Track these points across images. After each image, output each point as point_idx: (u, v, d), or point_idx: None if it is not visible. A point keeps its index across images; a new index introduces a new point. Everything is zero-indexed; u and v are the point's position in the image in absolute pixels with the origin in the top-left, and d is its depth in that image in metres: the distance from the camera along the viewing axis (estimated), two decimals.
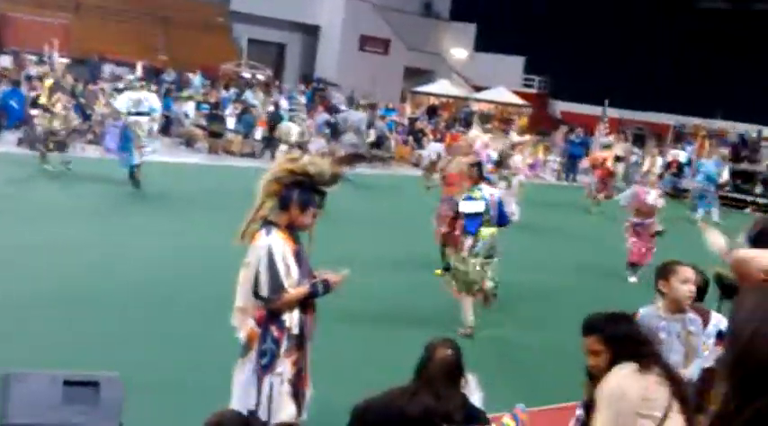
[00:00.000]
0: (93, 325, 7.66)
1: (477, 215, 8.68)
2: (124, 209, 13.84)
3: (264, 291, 4.44)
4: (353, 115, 25.27)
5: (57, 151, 16.51)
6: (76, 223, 12.18)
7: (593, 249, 12.75)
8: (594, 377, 3.68)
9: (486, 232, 8.76)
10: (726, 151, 26.63)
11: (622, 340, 3.58)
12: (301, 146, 18.29)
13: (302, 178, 4.50)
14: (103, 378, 4.46)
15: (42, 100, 16.92)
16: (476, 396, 4.24)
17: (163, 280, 9.45)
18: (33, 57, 28.53)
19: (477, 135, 21.01)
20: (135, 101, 15.85)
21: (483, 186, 8.95)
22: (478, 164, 9.29)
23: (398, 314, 9.33)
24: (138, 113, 15.70)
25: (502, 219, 8.95)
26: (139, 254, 10.62)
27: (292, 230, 4.57)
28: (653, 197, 12.14)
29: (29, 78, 24.00)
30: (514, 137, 21.32)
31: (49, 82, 17.98)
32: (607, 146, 23.63)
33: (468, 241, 8.66)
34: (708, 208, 20.73)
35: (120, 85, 26.53)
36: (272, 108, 27.37)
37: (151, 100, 16.40)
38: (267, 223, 4.52)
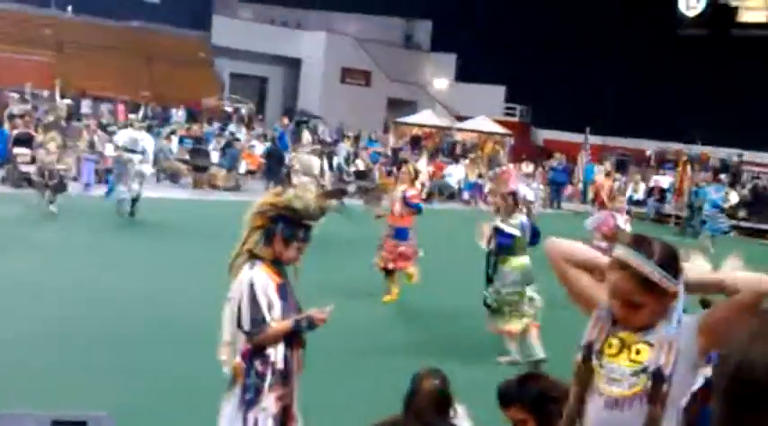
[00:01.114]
0: (80, 363, 7.62)
1: (509, 239, 8.89)
2: (110, 245, 13.80)
3: (246, 325, 4.43)
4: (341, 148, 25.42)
5: (53, 191, 16.18)
6: (62, 259, 12.14)
7: None
8: None
9: (517, 263, 8.89)
10: (722, 176, 26.76)
11: (539, 401, 3.55)
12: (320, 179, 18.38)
13: (286, 212, 4.51)
14: (91, 418, 4.44)
15: (58, 145, 16.83)
16: None
17: (149, 316, 9.41)
18: (15, 95, 28.52)
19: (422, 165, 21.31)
20: (132, 139, 16.63)
21: (517, 214, 9.05)
22: (513, 194, 9.39)
23: (382, 344, 9.32)
24: (133, 151, 16.45)
25: (533, 239, 9.05)
26: (125, 290, 10.57)
27: (278, 264, 4.57)
28: (622, 221, 12.17)
29: (11, 117, 23.95)
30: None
31: (55, 137, 17.76)
32: (607, 174, 23.69)
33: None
34: (716, 232, 20.50)
35: (104, 121, 26.65)
36: (254, 142, 27.51)
37: (146, 141, 17.06)
38: (252, 256, 4.53)
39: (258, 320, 4.38)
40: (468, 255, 9.43)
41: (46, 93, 28.99)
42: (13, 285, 10.27)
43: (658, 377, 2.78)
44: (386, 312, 10.93)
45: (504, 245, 8.90)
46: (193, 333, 7.98)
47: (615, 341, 2.90)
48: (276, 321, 4.43)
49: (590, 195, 31.21)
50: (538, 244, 9.01)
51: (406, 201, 11.38)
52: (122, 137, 17.16)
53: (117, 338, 8.52)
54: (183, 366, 7.66)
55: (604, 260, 3.01)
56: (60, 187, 16.32)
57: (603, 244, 12.01)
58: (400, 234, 11.36)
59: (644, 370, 2.81)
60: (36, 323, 8.73)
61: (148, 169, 17.54)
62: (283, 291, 4.53)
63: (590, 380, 2.90)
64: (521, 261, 8.94)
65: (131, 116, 20.21)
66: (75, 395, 6.59)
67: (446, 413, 4.11)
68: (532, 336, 8.86)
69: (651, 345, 2.84)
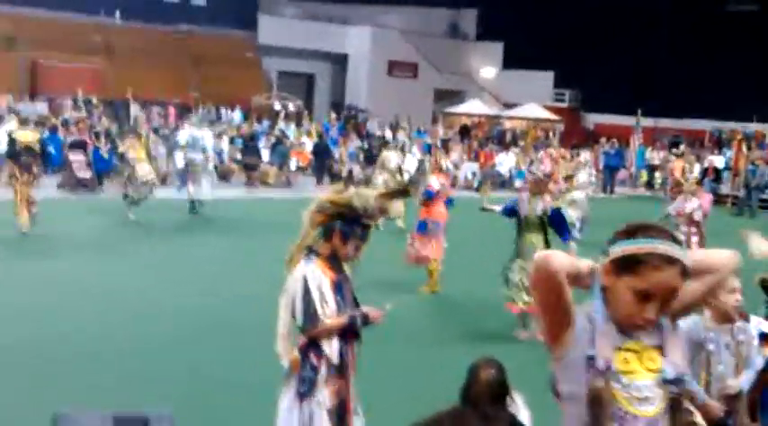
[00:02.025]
0: (140, 362, 7.73)
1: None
2: (167, 246, 13.99)
3: (299, 319, 4.49)
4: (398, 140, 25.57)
5: (135, 202, 16.21)
6: (121, 260, 12.32)
7: None
8: None
9: (532, 238, 8.97)
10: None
11: None
12: (401, 173, 18.56)
13: (345, 210, 4.53)
14: (153, 416, 4.50)
15: (139, 154, 16.57)
16: (523, 415, 4.21)
17: (208, 314, 9.52)
18: (69, 102, 29.00)
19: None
20: (193, 138, 17.38)
21: (546, 195, 9.25)
22: (550, 175, 9.61)
23: (432, 334, 9.33)
24: (194, 149, 17.24)
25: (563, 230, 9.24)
26: (183, 290, 10.71)
27: (335, 260, 4.61)
28: (690, 206, 11.84)
29: (65, 123, 24.37)
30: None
31: (143, 136, 17.83)
32: (680, 155, 23.25)
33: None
34: None
35: (155, 125, 26.96)
36: (303, 139, 27.75)
37: (206, 139, 17.76)
38: (310, 252, 4.57)
39: (310, 314, 4.43)
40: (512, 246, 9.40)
41: (95, 99, 29.36)
42: (73, 286, 10.45)
43: (681, 382, 2.61)
44: (431, 304, 10.90)
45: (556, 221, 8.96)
46: (252, 329, 8.05)
47: (629, 355, 2.59)
48: (329, 316, 4.46)
49: (643, 178, 30.91)
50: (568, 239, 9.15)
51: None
52: (183, 136, 17.90)
53: (178, 337, 8.63)
54: (242, 362, 7.74)
55: (585, 264, 2.64)
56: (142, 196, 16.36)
57: (686, 229, 11.67)
58: (419, 226, 11.41)
59: (665, 379, 2.59)
60: (100, 323, 8.90)
61: (210, 166, 18.37)
62: (339, 287, 4.57)
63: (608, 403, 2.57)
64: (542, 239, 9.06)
65: (192, 118, 20.75)
66: (137, 394, 6.69)
67: (504, 403, 4.10)
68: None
69: (659, 348, 2.62)
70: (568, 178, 15.93)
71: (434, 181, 11.57)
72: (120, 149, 17.78)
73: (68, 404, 4.91)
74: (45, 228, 13.96)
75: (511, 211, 9.25)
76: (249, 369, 7.38)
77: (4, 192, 14.93)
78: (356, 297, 4.71)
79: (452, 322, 10.09)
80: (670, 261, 2.52)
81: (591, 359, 2.55)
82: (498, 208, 9.51)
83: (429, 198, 11.26)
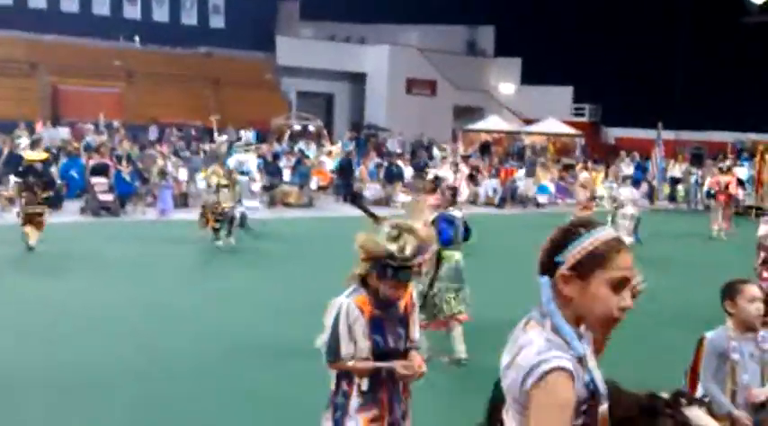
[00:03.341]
0: (163, 387, 7.73)
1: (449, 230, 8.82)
2: (198, 267, 14.01)
3: (323, 350, 4.36)
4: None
5: (227, 228, 16.03)
6: (145, 282, 12.33)
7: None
8: None
9: (450, 254, 8.76)
10: None
11: None
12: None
13: (376, 255, 4.29)
14: None
15: (222, 181, 16.00)
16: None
17: (243, 339, 9.51)
18: (90, 127, 29.22)
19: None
20: (239, 162, 18.37)
21: (453, 209, 9.07)
22: (454, 189, 9.58)
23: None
24: (241, 173, 17.89)
25: (465, 233, 9.03)
26: (211, 313, 10.70)
27: (379, 295, 4.37)
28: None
29: (88, 148, 24.54)
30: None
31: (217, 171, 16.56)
32: (726, 170, 22.78)
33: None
34: None
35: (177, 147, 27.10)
36: (323, 158, 27.83)
37: (249, 162, 18.83)
38: (362, 282, 4.38)
39: (332, 350, 4.29)
40: (525, 263, 9.29)
41: (116, 123, 29.62)
42: (94, 309, 10.47)
43: None
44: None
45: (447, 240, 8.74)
46: (287, 352, 8.02)
47: None
48: (355, 356, 4.29)
49: (666, 192, 30.71)
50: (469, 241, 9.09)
51: None
52: (232, 161, 18.55)
53: (209, 362, 8.61)
54: (275, 384, 7.72)
55: None
56: (236, 221, 16.48)
57: None
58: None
59: None
60: (124, 351, 8.89)
61: (256, 186, 19.19)
62: (378, 324, 4.37)
63: None
64: (457, 255, 8.86)
65: (238, 143, 21.75)
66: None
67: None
68: (457, 333, 8.77)
69: None
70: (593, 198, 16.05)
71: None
72: (203, 176, 18.04)
73: None
74: (66, 250, 14.06)
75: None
76: (285, 388, 7.37)
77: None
78: (402, 335, 4.47)
79: (483, 347, 10.04)
80: (623, 242, 2.50)
81: (591, 383, 2.43)
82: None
83: None
